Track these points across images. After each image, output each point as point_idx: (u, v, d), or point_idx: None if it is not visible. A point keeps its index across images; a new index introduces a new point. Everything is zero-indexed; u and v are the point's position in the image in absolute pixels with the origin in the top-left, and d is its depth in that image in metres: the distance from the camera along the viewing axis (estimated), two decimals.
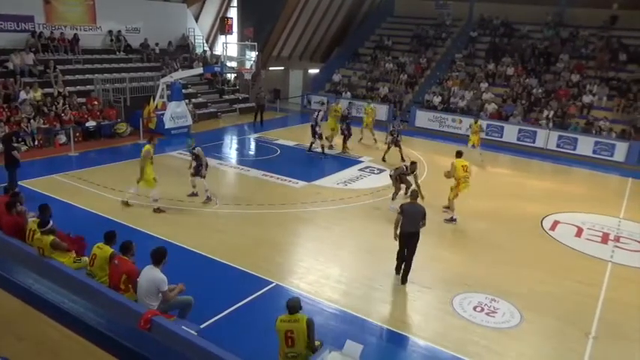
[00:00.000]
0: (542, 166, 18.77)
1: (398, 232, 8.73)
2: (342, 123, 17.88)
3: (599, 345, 7.51)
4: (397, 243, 8.85)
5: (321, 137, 17.14)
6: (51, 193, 11.98)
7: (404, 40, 28.45)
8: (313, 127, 17.04)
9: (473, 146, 17.42)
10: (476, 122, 17.84)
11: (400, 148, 16.78)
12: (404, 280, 8.89)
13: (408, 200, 8.97)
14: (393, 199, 12.67)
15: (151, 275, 6.21)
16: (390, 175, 12.95)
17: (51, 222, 7.08)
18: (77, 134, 16.76)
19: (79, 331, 6.32)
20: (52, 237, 6.91)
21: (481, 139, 17.92)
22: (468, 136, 20.91)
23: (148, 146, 11.39)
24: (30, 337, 6.41)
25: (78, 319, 6.39)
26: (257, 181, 14.37)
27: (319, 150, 17.38)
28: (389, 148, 16.82)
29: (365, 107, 20.03)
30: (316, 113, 17.32)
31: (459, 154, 12.14)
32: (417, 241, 8.75)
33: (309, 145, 17.77)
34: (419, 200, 9.24)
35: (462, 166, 11.75)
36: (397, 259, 9.05)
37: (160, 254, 6.32)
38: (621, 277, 9.77)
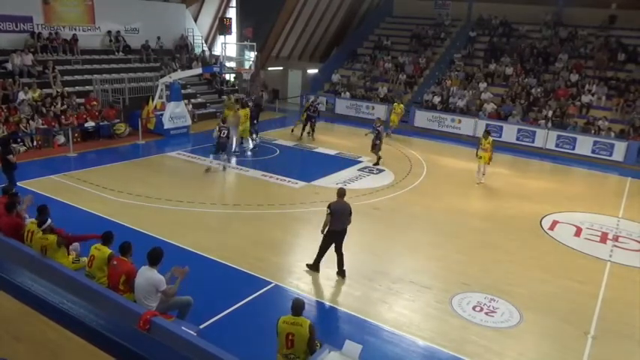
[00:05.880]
0: (541, 165, 18.78)
1: (326, 230, 8.73)
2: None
3: (598, 344, 7.52)
4: (324, 239, 8.82)
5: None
6: (49, 194, 11.97)
7: (403, 40, 28.44)
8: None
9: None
10: (486, 138, 15.18)
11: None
12: (343, 274, 8.94)
13: (336, 199, 8.83)
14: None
15: (148, 276, 6.21)
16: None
17: (49, 220, 7.08)
18: (76, 135, 16.74)
19: (78, 332, 6.31)
20: (55, 235, 6.92)
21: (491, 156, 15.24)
22: (467, 135, 21.03)
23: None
24: (28, 337, 6.40)
25: (77, 320, 6.38)
26: (256, 182, 14.36)
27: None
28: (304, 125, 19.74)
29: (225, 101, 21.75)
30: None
31: (243, 105, 17.50)
32: (344, 236, 8.84)
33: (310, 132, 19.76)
34: None
35: (245, 114, 16.79)
36: (319, 256, 8.95)
37: (156, 255, 6.28)
38: (620, 277, 9.78)
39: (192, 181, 14.11)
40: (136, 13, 23.37)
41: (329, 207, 8.64)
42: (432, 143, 20.74)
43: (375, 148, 16.41)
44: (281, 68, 29.80)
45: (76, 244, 7.75)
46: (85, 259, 7.15)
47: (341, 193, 8.87)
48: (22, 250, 7.19)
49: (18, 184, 11.66)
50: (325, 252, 8.93)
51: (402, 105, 21.68)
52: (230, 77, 26.84)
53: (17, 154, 12.25)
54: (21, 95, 17.03)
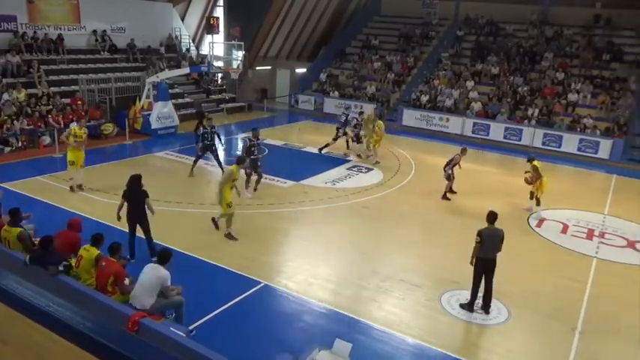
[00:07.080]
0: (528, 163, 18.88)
1: (475, 258, 7.97)
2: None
3: (586, 339, 7.60)
4: (474, 269, 7.99)
5: (335, 139, 17.23)
6: (35, 195, 11.83)
7: (391, 39, 28.53)
8: (338, 129, 17.28)
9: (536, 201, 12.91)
10: (531, 160, 13.00)
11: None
12: (488, 310, 8.09)
13: (485, 225, 8.06)
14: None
15: (156, 271, 6.41)
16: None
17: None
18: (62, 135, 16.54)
19: (64, 335, 6.24)
20: (19, 229, 7.06)
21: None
22: (455, 134, 20.97)
23: (232, 167, 10.33)
24: (14, 341, 6.32)
25: (63, 323, 6.31)
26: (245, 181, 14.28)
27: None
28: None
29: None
30: (345, 117, 17.42)
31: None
32: (495, 266, 7.98)
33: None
34: None
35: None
36: (473, 292, 8.07)
37: (166, 256, 6.59)
38: (606, 273, 9.90)
39: (179, 181, 14.01)
40: (122, 12, 23.14)
41: (480, 233, 7.89)
42: (420, 142, 20.82)
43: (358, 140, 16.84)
44: (269, 68, 29.74)
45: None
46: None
47: (492, 218, 8.11)
48: (7, 252, 7.10)
49: (3, 185, 11.51)
50: (479, 284, 8.03)
51: (380, 122, 16.80)
52: (218, 77, 26.70)
53: (2, 155, 11.99)
54: (5, 96, 16.78)
